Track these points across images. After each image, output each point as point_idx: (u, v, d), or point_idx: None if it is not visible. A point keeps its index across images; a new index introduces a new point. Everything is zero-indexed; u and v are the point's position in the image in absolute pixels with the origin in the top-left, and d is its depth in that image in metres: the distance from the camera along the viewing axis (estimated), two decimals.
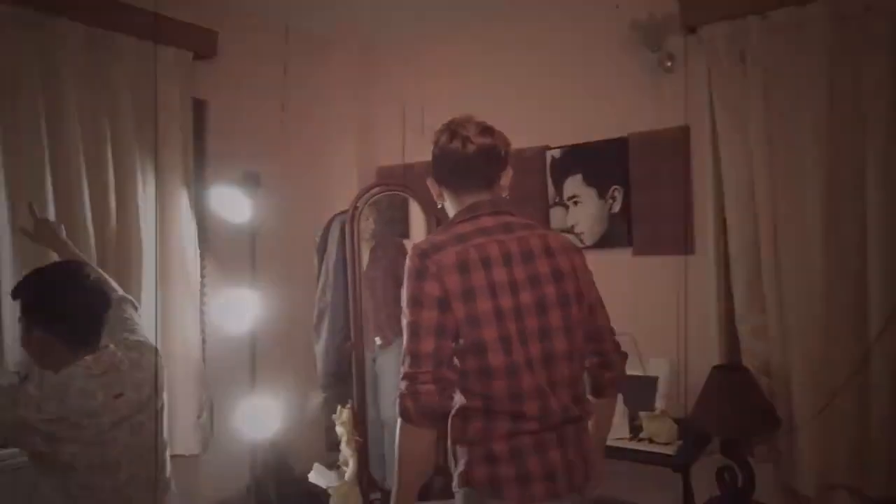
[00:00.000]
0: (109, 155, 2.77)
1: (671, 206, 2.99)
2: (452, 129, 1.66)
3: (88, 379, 1.62)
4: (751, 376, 2.60)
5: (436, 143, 1.69)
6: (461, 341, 1.53)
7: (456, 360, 1.55)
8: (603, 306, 1.77)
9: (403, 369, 1.52)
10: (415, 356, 1.50)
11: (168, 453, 1.89)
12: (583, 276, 1.68)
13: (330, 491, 2.94)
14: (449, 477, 1.63)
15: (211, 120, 3.27)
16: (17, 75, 2.51)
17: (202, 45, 3.15)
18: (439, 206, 1.76)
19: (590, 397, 1.71)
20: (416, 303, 1.52)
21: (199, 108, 3.18)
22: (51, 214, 2.56)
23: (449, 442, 1.62)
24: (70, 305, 1.67)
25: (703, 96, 2.85)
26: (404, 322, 1.55)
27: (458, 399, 1.58)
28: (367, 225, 3.26)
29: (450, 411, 1.58)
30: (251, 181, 3.07)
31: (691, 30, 2.86)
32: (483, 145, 1.64)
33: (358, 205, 3.08)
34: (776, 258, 2.65)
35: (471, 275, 1.53)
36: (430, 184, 1.75)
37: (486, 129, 1.67)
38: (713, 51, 2.77)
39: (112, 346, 1.75)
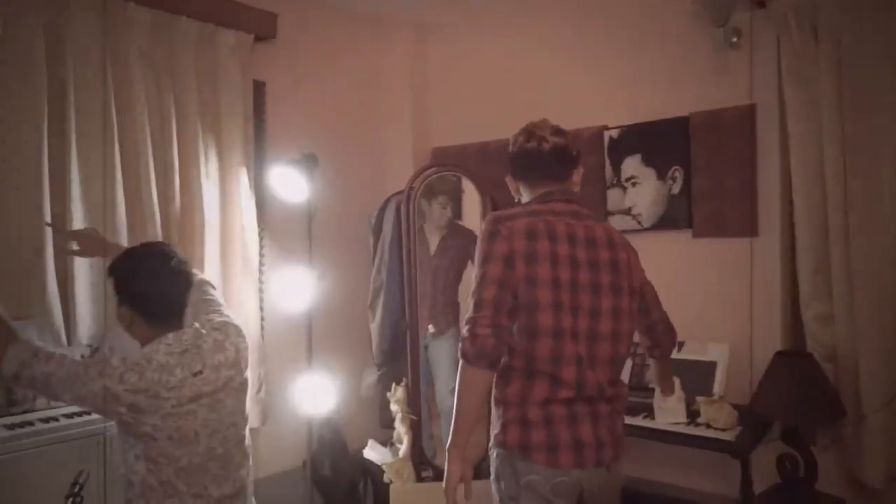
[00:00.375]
0: (174, 136, 2.85)
1: (734, 188, 2.90)
2: (529, 131, 1.82)
3: (168, 355, 1.69)
4: (815, 363, 2.52)
5: (514, 144, 1.84)
6: (518, 299, 1.64)
7: None
8: (658, 303, 1.99)
9: (467, 315, 1.65)
10: (478, 303, 1.64)
11: (248, 427, 1.94)
12: (637, 272, 1.81)
13: (384, 467, 2.99)
14: None
15: (270, 101, 3.32)
16: (87, 59, 2.60)
17: (262, 28, 3.20)
18: (516, 200, 1.89)
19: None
20: (485, 259, 1.66)
21: (258, 89, 3.24)
22: (119, 195, 2.66)
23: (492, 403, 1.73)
24: (153, 285, 1.75)
25: (771, 73, 2.75)
26: (474, 277, 1.68)
27: (504, 360, 1.68)
28: (444, 213, 3.27)
29: (503, 355, 1.67)
30: (309, 162, 3.10)
31: (759, 3, 2.75)
32: (557, 144, 1.79)
33: (413, 185, 3.10)
34: (846, 242, 2.54)
35: (537, 242, 1.66)
36: (508, 180, 1.89)
37: (560, 131, 1.83)
38: (783, 25, 2.67)
39: (197, 325, 1.81)
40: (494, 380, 1.71)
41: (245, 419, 1.90)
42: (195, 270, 2.03)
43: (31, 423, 2.30)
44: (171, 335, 1.72)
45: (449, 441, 1.69)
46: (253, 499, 1.99)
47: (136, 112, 2.72)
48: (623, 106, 3.20)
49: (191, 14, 2.91)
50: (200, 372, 1.72)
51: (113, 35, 2.68)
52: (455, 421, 1.68)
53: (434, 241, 3.36)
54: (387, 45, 3.90)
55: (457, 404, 1.68)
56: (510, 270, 1.64)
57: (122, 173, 2.68)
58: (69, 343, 2.56)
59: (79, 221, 2.57)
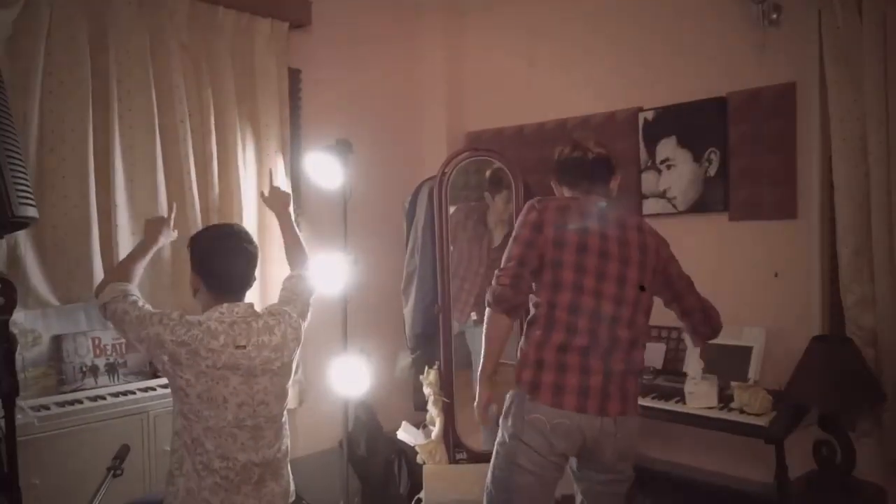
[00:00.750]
0: (212, 124, 2.93)
1: (773, 169, 2.83)
2: (575, 142, 2.07)
3: (219, 323, 1.85)
4: (854, 347, 2.46)
5: (560, 153, 2.08)
6: (545, 259, 1.90)
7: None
8: (692, 289, 2.15)
9: (498, 268, 1.95)
10: (506, 259, 1.93)
11: (284, 409, 2.03)
12: (663, 256, 2.04)
13: (417, 448, 3.04)
14: None
15: (305, 88, 3.37)
16: (129, 50, 2.68)
17: (297, 16, 3.25)
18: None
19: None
20: (519, 226, 1.96)
21: (293, 76, 3.28)
22: (160, 182, 2.75)
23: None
24: (217, 258, 1.94)
25: (813, 50, 2.67)
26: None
27: (532, 311, 1.95)
28: (508, 208, 3.26)
29: (523, 305, 1.94)
30: (343, 147, 3.14)
31: None
32: (599, 154, 2.05)
33: (445, 170, 3.11)
34: (889, 223, 2.47)
35: (567, 215, 1.93)
36: (553, 185, 2.14)
37: (601, 143, 2.09)
38: (825, 0, 2.58)
39: (253, 304, 1.97)
40: (525, 330, 1.96)
41: (280, 401, 1.98)
42: (299, 270, 2.29)
43: (80, 402, 2.42)
44: (225, 306, 1.89)
45: (479, 370, 2.00)
46: (290, 478, 2.07)
47: (175, 101, 2.79)
48: (658, 87, 3.15)
49: (228, 4, 2.97)
50: (244, 346, 1.86)
51: (154, 26, 2.75)
52: (483, 354, 1.96)
53: (498, 235, 3.37)
54: (421, 30, 3.90)
55: (484, 342, 1.96)
56: (538, 234, 1.90)
57: (163, 161, 2.77)
58: None
59: (122, 208, 2.67)
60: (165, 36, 2.77)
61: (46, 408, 2.34)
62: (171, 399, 1.92)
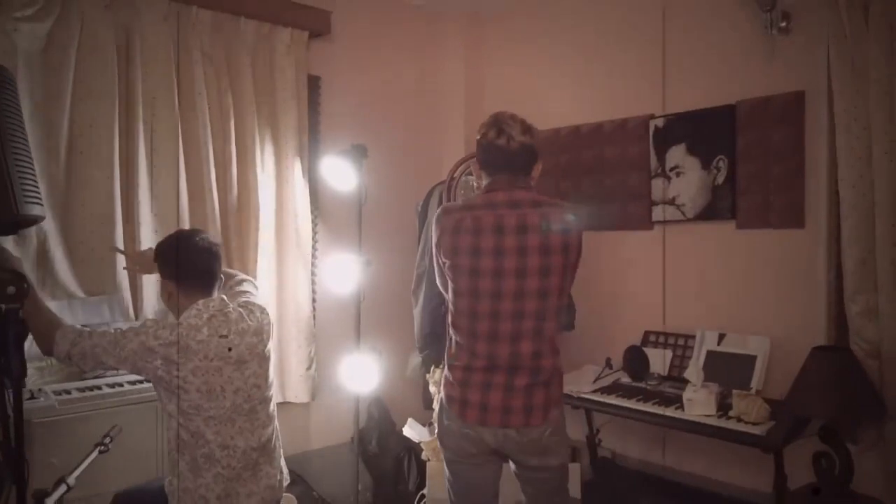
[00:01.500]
0: (232, 129, 3.07)
1: (780, 178, 2.82)
2: (499, 127, 1.94)
3: (197, 318, 1.95)
4: (854, 358, 2.43)
5: (484, 136, 1.97)
6: (447, 278, 1.97)
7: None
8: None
9: None
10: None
11: (272, 392, 2.15)
12: (573, 253, 1.94)
13: (422, 445, 3.12)
14: None
15: (324, 94, 3.50)
16: (155, 58, 2.85)
17: (317, 25, 3.38)
18: (477, 185, 2.08)
19: None
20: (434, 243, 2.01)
21: (313, 83, 3.41)
22: (182, 184, 2.90)
23: None
24: (184, 257, 2.02)
25: (821, 58, 2.65)
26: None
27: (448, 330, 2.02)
28: None
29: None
30: (358, 152, 3.25)
31: None
32: (524, 143, 1.94)
33: (455, 175, 3.19)
34: (893, 234, 2.43)
35: (459, 237, 1.91)
36: (473, 165, 2.07)
37: (527, 129, 1.96)
38: (833, 8, 2.56)
39: (225, 297, 2.06)
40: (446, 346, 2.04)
41: (268, 384, 2.10)
42: (240, 275, 2.35)
43: (99, 388, 2.58)
44: (200, 302, 1.98)
45: None
46: (282, 461, 2.18)
47: (197, 107, 2.95)
48: (669, 94, 3.17)
49: (249, 14, 3.12)
50: (226, 336, 1.96)
51: (178, 35, 2.91)
52: None
53: None
54: (440, 38, 3.99)
55: None
56: (439, 258, 1.98)
57: (185, 164, 2.92)
58: (136, 318, 2.83)
59: (145, 207, 2.83)
60: (189, 45, 2.93)
61: (68, 392, 2.50)
62: None
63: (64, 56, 2.60)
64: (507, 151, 1.92)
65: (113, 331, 1.94)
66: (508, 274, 1.88)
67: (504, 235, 1.88)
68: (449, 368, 2.01)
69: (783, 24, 2.75)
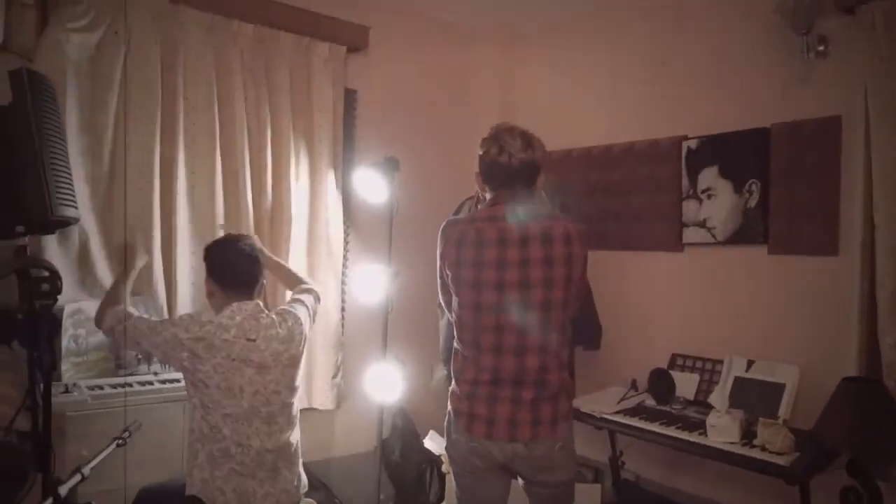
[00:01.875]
0: (269, 139, 3.16)
1: (814, 203, 2.76)
2: (500, 145, 1.96)
3: (229, 319, 2.05)
4: (885, 391, 2.37)
5: (486, 153, 1.99)
6: (451, 293, 2.00)
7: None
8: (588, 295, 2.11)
9: None
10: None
11: (295, 399, 2.21)
12: (577, 265, 1.94)
13: (442, 457, 3.13)
14: None
15: (360, 108, 3.57)
16: (197, 68, 2.96)
17: (355, 40, 3.45)
18: (481, 197, 2.13)
19: None
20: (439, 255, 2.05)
21: (349, 97, 3.49)
22: (218, 191, 3.00)
23: None
24: (225, 264, 2.16)
25: (859, 83, 2.60)
26: None
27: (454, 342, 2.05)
28: None
29: None
30: (390, 165, 3.31)
31: (847, 10, 2.61)
32: (524, 160, 1.95)
33: None
34: None
35: (462, 249, 1.95)
36: (476, 178, 2.08)
37: (528, 145, 1.96)
38: (871, 32, 2.52)
39: (260, 303, 2.16)
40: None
41: (291, 391, 2.16)
42: (308, 283, 2.49)
43: (130, 385, 2.67)
44: (235, 304, 2.08)
45: None
46: (302, 470, 2.22)
47: (235, 117, 3.04)
48: (702, 116, 3.14)
49: (289, 28, 3.21)
50: (253, 340, 2.05)
51: (219, 48, 3.02)
52: None
53: None
54: (475, 52, 4.03)
55: None
56: (443, 271, 2.02)
57: (222, 170, 3.02)
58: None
59: (182, 212, 2.93)
60: (229, 57, 3.04)
61: (100, 388, 2.59)
62: None
63: (111, 66, 2.72)
64: (508, 168, 1.94)
65: (155, 319, 2.12)
66: (511, 286, 1.89)
67: (507, 247, 1.90)
68: (456, 382, 2.04)
69: (820, 48, 2.71)
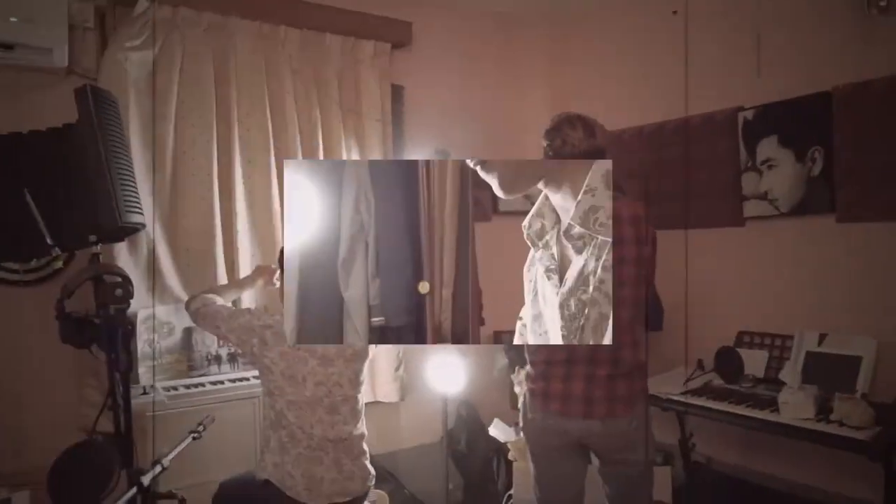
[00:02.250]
0: (320, 139, 3.23)
1: (885, 166, 2.63)
2: (563, 137, 1.97)
3: None
4: None
5: (550, 145, 2.00)
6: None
7: None
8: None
9: None
10: None
11: (359, 392, 2.25)
12: (644, 245, 1.94)
13: (508, 445, 3.13)
14: None
15: (407, 103, 3.60)
16: (248, 75, 3.04)
17: (399, 36, 3.49)
18: None
19: None
20: None
21: (396, 93, 3.52)
22: (274, 193, 3.08)
23: None
24: None
25: None
26: None
27: None
28: None
29: None
30: (441, 157, 3.33)
31: None
32: (587, 150, 1.95)
33: None
34: None
35: None
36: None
37: (590, 131, 1.97)
38: None
39: None
40: None
41: (354, 385, 2.20)
42: None
43: (202, 385, 2.78)
44: None
45: None
46: (366, 461, 2.26)
47: (287, 121, 3.12)
48: (759, 84, 3.03)
49: (334, 30, 3.27)
50: None
51: (269, 55, 3.10)
52: None
53: None
54: (521, 42, 4.00)
55: None
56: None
57: (277, 174, 3.10)
58: None
59: (242, 216, 3.03)
60: (279, 63, 3.11)
61: (175, 389, 2.71)
62: None
63: (168, 80, 2.83)
64: (572, 155, 1.95)
65: (233, 307, 2.23)
66: None
67: None
68: (531, 364, 2.06)
69: (883, 3, 2.58)
